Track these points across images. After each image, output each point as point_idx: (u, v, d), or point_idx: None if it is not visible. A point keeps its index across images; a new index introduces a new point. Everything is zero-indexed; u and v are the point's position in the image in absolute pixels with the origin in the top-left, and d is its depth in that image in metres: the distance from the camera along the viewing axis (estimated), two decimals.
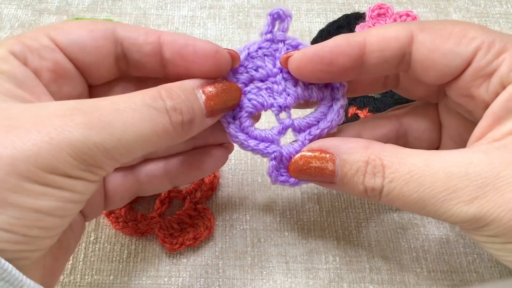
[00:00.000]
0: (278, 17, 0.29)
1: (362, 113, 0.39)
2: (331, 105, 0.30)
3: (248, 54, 0.29)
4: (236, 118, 0.29)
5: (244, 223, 0.36)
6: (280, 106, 0.29)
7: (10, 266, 0.20)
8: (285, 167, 0.30)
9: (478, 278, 0.34)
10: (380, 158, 0.25)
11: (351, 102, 0.40)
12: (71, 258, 0.34)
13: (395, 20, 0.44)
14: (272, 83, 0.29)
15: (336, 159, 0.27)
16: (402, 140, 0.31)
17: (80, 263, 0.34)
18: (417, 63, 0.26)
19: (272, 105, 0.29)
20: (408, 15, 0.44)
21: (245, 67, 0.29)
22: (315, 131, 0.29)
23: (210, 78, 0.28)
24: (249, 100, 0.29)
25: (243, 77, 0.29)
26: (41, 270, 0.24)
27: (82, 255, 0.34)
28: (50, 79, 0.26)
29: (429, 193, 0.24)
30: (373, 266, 0.34)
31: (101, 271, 0.34)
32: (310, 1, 0.49)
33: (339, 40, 0.27)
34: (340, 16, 0.46)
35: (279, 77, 0.29)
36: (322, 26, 0.46)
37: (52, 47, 0.25)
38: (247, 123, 0.29)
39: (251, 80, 0.29)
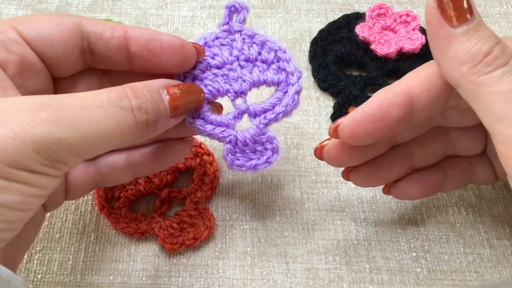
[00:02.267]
0: (235, 10, 0.31)
1: None
2: (286, 91, 0.30)
3: (205, 43, 0.31)
4: None
5: (244, 223, 0.36)
6: (236, 92, 0.30)
7: None
8: (241, 151, 0.31)
9: (478, 278, 0.34)
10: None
11: (351, 102, 0.40)
12: (70, 258, 0.34)
13: (395, 20, 0.44)
14: (229, 70, 0.31)
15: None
16: None
17: (80, 263, 0.34)
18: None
19: (228, 91, 0.30)
20: (408, 15, 0.44)
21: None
22: (270, 115, 0.30)
23: (176, 71, 0.30)
24: (206, 86, 0.30)
25: (201, 64, 0.30)
26: (1, 260, 0.24)
27: (82, 255, 0.34)
28: (16, 73, 0.26)
29: None
30: (373, 266, 0.34)
31: (101, 271, 0.34)
32: (310, 1, 0.49)
33: (383, 94, 0.27)
34: (340, 16, 0.46)
35: (235, 64, 0.31)
36: (322, 26, 0.46)
37: (19, 41, 0.26)
38: (203, 108, 0.30)
39: (208, 67, 0.31)
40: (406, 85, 0.27)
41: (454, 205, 0.37)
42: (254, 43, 0.31)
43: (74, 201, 0.37)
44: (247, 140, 0.30)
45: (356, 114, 0.27)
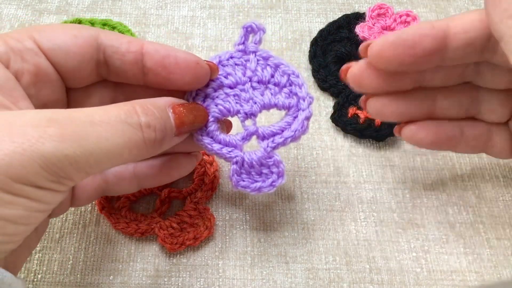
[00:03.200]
0: (252, 30, 0.31)
1: (362, 113, 0.39)
2: (296, 116, 0.30)
3: (219, 62, 0.31)
4: (206, 127, 0.30)
5: (244, 223, 0.36)
6: (246, 113, 0.30)
7: None
8: (247, 173, 0.31)
9: (478, 278, 0.34)
10: None
11: (352, 102, 0.40)
12: (70, 258, 0.34)
13: (395, 20, 0.44)
14: (241, 90, 0.31)
15: None
16: None
17: (80, 263, 0.34)
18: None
19: (238, 112, 0.30)
20: (408, 15, 0.44)
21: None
22: (278, 139, 0.30)
23: (189, 88, 0.30)
24: (216, 105, 0.30)
25: (213, 83, 0.31)
26: (2, 263, 0.24)
27: (82, 255, 0.34)
28: (30, 82, 0.26)
29: None
30: (373, 266, 0.34)
31: (101, 271, 0.34)
32: (310, 1, 0.49)
33: (422, 24, 0.28)
34: (340, 16, 0.46)
35: (247, 85, 0.31)
36: (322, 26, 0.46)
37: (36, 51, 0.26)
38: (212, 127, 0.30)
39: (220, 86, 0.31)
40: (446, 22, 0.27)
41: (454, 205, 0.37)
42: (268, 65, 0.31)
43: None
44: (254, 163, 0.30)
45: (390, 36, 0.28)
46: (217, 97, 0.31)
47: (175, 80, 0.29)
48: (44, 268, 0.34)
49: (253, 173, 0.31)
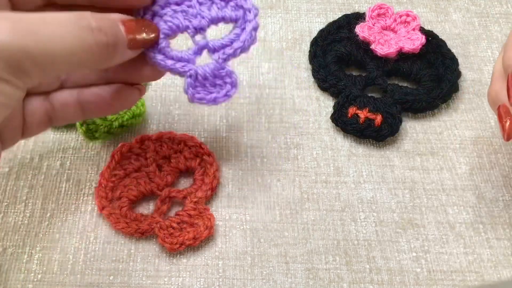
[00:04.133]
0: None
1: (362, 113, 0.39)
2: (244, 28, 0.31)
3: None
4: None
5: (244, 223, 0.36)
6: (195, 28, 0.31)
7: None
8: (201, 86, 0.32)
9: (478, 278, 0.34)
10: None
11: (351, 102, 0.40)
12: (70, 258, 0.34)
13: (395, 20, 0.44)
14: (188, 7, 0.31)
15: None
16: None
17: (80, 263, 0.34)
18: None
19: (187, 27, 0.31)
20: (408, 15, 0.44)
21: None
22: (228, 50, 0.31)
23: (136, 5, 0.31)
24: (165, 22, 0.31)
25: (160, 0, 0.31)
26: None
27: (82, 255, 0.34)
28: None
29: None
30: (373, 266, 0.34)
31: (101, 271, 0.34)
32: (310, 1, 0.49)
33: None
34: (340, 16, 0.46)
35: (194, 1, 0.31)
36: (322, 26, 0.46)
37: None
38: (163, 44, 0.31)
39: (167, 4, 0.31)
40: None
41: (454, 205, 0.37)
42: None
43: (74, 201, 0.37)
44: (207, 74, 0.31)
45: None
46: (165, 14, 0.31)
47: None
48: (44, 268, 0.34)
49: (207, 85, 0.32)
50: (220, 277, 0.34)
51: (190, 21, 0.31)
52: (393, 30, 0.44)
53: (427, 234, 0.36)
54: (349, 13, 0.46)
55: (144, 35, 0.29)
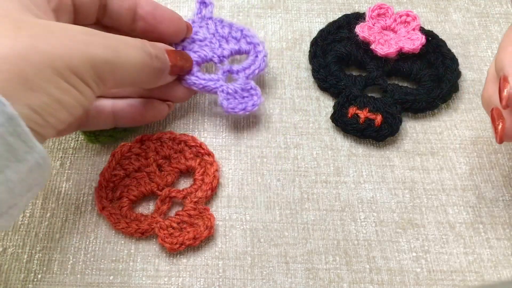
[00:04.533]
0: (204, 4, 0.42)
1: (362, 113, 0.39)
2: (257, 55, 0.40)
3: None
4: None
5: (244, 223, 0.36)
6: (219, 56, 0.40)
7: (29, 132, 0.24)
8: (233, 98, 0.38)
9: (478, 278, 0.34)
10: None
11: (351, 102, 0.40)
12: (70, 258, 0.34)
13: (395, 20, 0.44)
14: (209, 42, 0.40)
15: None
16: None
17: (80, 263, 0.34)
18: None
19: (213, 56, 0.40)
20: (408, 15, 0.44)
21: None
22: (248, 71, 0.40)
23: (170, 40, 0.37)
24: (195, 52, 0.39)
25: (187, 39, 0.40)
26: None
27: (82, 255, 0.34)
28: (55, 8, 0.30)
29: None
30: (373, 266, 0.34)
31: (101, 271, 0.34)
32: (310, 1, 0.49)
33: None
34: (340, 16, 0.46)
35: (214, 39, 0.40)
36: (322, 26, 0.46)
37: None
38: (195, 69, 0.38)
39: (193, 41, 0.40)
40: None
41: (454, 205, 0.37)
42: (224, 25, 0.41)
43: (74, 201, 0.37)
44: (236, 89, 0.38)
45: None
46: (192, 48, 0.40)
47: (161, 29, 0.36)
48: (44, 268, 0.34)
49: (237, 98, 0.39)
50: (220, 277, 0.34)
51: (214, 52, 0.40)
52: (393, 30, 0.44)
53: (427, 234, 0.36)
54: (349, 13, 0.46)
55: (182, 63, 0.36)
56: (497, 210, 0.37)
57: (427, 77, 0.41)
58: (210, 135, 0.40)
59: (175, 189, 0.36)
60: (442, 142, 0.40)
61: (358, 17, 0.45)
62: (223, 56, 0.40)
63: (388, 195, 0.38)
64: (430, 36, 0.44)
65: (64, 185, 0.37)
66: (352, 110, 0.40)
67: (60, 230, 0.35)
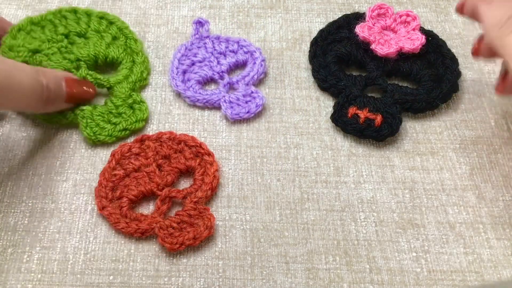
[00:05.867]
0: (200, 24, 0.45)
1: (362, 113, 0.39)
2: (255, 62, 0.43)
3: (186, 48, 0.44)
4: (188, 87, 0.42)
5: (244, 223, 0.36)
6: (218, 72, 0.42)
7: None
8: (236, 105, 0.40)
9: (478, 278, 0.34)
10: None
11: (351, 102, 0.40)
12: (70, 258, 0.34)
13: (395, 20, 0.44)
14: (208, 62, 0.43)
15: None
16: None
17: (80, 263, 0.34)
18: None
19: (213, 74, 0.42)
20: (408, 15, 0.44)
21: (186, 56, 0.43)
22: (248, 78, 0.42)
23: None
24: (196, 73, 0.42)
25: (187, 61, 0.43)
26: None
27: (82, 255, 0.34)
28: None
29: None
30: (373, 266, 0.34)
31: (101, 271, 0.34)
32: (310, 1, 0.49)
33: None
34: (340, 16, 0.46)
35: (212, 57, 0.43)
36: (322, 26, 0.46)
37: None
38: (197, 87, 0.42)
39: (193, 63, 0.43)
40: None
41: (454, 205, 0.37)
42: (221, 41, 0.44)
43: (74, 201, 0.37)
44: (238, 97, 0.41)
45: None
46: (193, 69, 0.43)
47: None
48: (44, 268, 0.34)
49: (241, 104, 0.41)
50: (220, 277, 0.34)
51: (213, 70, 0.43)
52: (393, 30, 0.44)
53: (427, 234, 0.36)
54: (349, 13, 0.46)
55: (80, 92, 0.38)
56: (497, 210, 0.37)
57: (427, 77, 0.41)
58: (210, 135, 0.40)
59: (175, 189, 0.36)
60: (442, 142, 0.40)
61: (358, 17, 0.45)
62: (223, 72, 0.42)
63: (388, 195, 0.38)
64: (430, 36, 0.44)
65: (64, 185, 0.37)
66: (352, 110, 0.40)
67: (60, 230, 0.35)
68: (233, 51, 0.43)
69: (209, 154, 0.38)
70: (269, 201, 0.37)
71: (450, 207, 0.37)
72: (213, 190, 0.37)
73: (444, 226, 0.36)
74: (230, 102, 0.41)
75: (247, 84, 0.42)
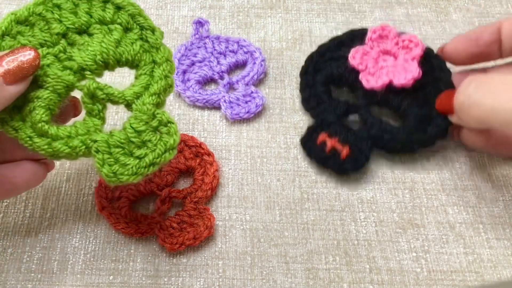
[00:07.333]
0: (200, 24, 0.45)
1: (330, 142, 0.37)
2: (255, 62, 0.43)
3: (186, 48, 0.44)
4: (188, 87, 0.42)
5: (244, 223, 0.36)
6: (218, 73, 0.42)
7: None
8: (236, 105, 0.40)
9: (478, 278, 0.34)
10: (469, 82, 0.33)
11: (324, 127, 0.38)
12: (70, 257, 0.34)
13: (396, 44, 0.40)
14: (208, 62, 0.43)
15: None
16: None
17: (80, 263, 0.34)
18: None
19: (212, 74, 0.42)
20: (411, 40, 0.39)
21: (186, 56, 0.43)
22: (248, 78, 0.42)
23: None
24: (195, 73, 0.42)
25: (187, 61, 0.43)
26: None
27: (82, 255, 0.34)
28: None
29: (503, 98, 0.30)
30: (373, 266, 0.34)
31: (101, 271, 0.34)
32: (310, 1, 0.49)
33: (480, 27, 0.38)
34: (339, 15, 0.45)
35: (212, 57, 0.43)
36: (322, 26, 0.46)
37: None
38: (197, 87, 0.42)
39: (193, 63, 0.43)
40: (499, 22, 0.37)
41: (454, 205, 0.37)
42: (221, 41, 0.44)
43: (74, 201, 0.37)
44: (237, 97, 0.41)
45: (458, 37, 0.39)
46: (193, 69, 0.43)
47: None
48: (44, 268, 0.34)
49: (240, 104, 0.41)
50: (220, 277, 0.34)
51: (213, 70, 0.42)
52: (393, 55, 0.40)
53: (427, 234, 0.36)
54: (356, 28, 0.42)
55: (20, 63, 0.27)
56: (497, 210, 0.37)
57: (412, 117, 0.37)
58: (210, 135, 0.40)
59: (175, 189, 0.36)
60: (442, 142, 0.40)
61: (363, 34, 0.41)
62: (222, 72, 0.42)
63: (388, 195, 0.38)
64: (432, 67, 0.39)
65: (64, 185, 0.37)
66: (322, 137, 0.37)
67: (60, 230, 0.35)
68: (233, 51, 0.43)
69: (209, 154, 0.38)
70: (269, 201, 0.37)
71: (450, 207, 0.37)
72: (213, 190, 0.37)
73: (444, 226, 0.36)
74: (230, 102, 0.41)
75: (247, 84, 0.42)
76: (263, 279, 0.34)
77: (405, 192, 0.38)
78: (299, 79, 0.43)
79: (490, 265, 0.35)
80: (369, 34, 0.40)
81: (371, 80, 0.38)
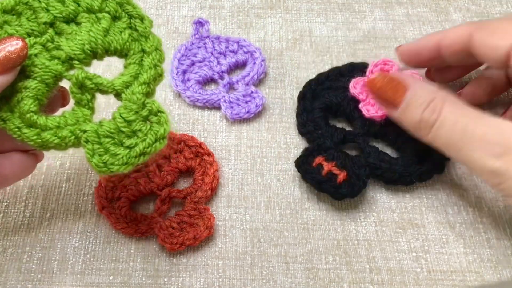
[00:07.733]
0: (200, 24, 0.44)
1: (327, 165, 0.36)
2: (255, 62, 0.43)
3: (186, 48, 0.44)
4: (188, 87, 0.42)
5: (244, 223, 0.36)
6: (218, 73, 0.42)
7: None
8: (236, 105, 0.41)
9: (478, 278, 0.34)
10: (442, 101, 0.32)
11: (321, 152, 0.37)
12: (70, 258, 0.34)
13: None
14: (208, 62, 0.43)
15: (408, 91, 0.33)
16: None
17: (80, 263, 0.34)
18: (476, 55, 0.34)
19: (212, 74, 0.43)
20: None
21: (186, 56, 0.43)
22: (248, 78, 0.42)
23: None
24: (195, 73, 0.42)
25: (187, 61, 0.43)
26: None
27: (82, 255, 0.34)
28: None
29: (467, 140, 0.30)
30: (373, 266, 0.34)
31: (101, 271, 0.34)
32: (310, 1, 0.49)
33: (427, 37, 0.38)
34: (339, 15, 0.45)
35: (212, 57, 0.43)
36: (322, 26, 0.46)
37: None
38: (196, 87, 0.42)
39: (193, 63, 0.43)
40: (441, 36, 0.37)
41: (454, 205, 0.37)
42: (221, 41, 0.44)
43: (74, 201, 0.37)
44: (237, 97, 0.41)
45: (405, 47, 0.39)
46: (193, 70, 0.43)
47: None
48: (44, 268, 0.34)
49: (240, 104, 0.41)
50: (220, 277, 0.34)
51: (213, 70, 0.43)
52: None
53: (427, 234, 0.36)
54: (356, 62, 0.42)
55: (4, 53, 0.27)
56: (497, 210, 0.37)
57: (409, 151, 0.37)
58: (210, 135, 0.40)
59: (175, 189, 0.36)
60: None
61: (364, 67, 0.41)
62: (222, 72, 0.42)
63: (388, 195, 0.38)
64: None
65: (64, 185, 0.37)
66: (318, 160, 0.36)
67: (60, 230, 0.35)
68: (233, 51, 0.44)
69: (209, 154, 0.38)
70: (269, 201, 0.37)
71: (450, 207, 0.37)
72: (213, 190, 0.37)
73: (444, 226, 0.36)
74: (230, 102, 0.41)
75: (247, 84, 0.42)
76: (263, 279, 0.34)
77: (405, 192, 0.38)
78: (299, 79, 0.43)
79: (490, 265, 0.35)
80: (370, 67, 0.40)
81: (371, 110, 0.37)
